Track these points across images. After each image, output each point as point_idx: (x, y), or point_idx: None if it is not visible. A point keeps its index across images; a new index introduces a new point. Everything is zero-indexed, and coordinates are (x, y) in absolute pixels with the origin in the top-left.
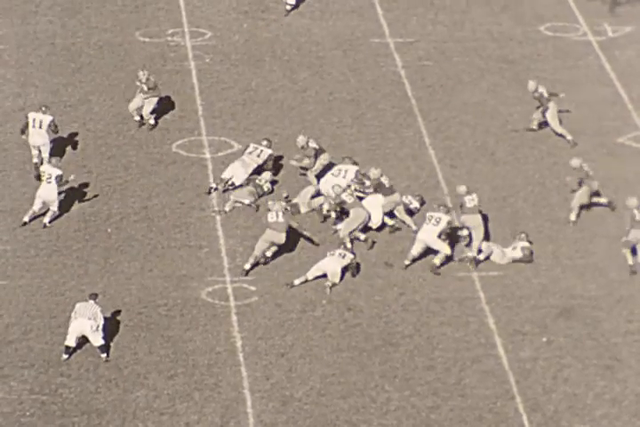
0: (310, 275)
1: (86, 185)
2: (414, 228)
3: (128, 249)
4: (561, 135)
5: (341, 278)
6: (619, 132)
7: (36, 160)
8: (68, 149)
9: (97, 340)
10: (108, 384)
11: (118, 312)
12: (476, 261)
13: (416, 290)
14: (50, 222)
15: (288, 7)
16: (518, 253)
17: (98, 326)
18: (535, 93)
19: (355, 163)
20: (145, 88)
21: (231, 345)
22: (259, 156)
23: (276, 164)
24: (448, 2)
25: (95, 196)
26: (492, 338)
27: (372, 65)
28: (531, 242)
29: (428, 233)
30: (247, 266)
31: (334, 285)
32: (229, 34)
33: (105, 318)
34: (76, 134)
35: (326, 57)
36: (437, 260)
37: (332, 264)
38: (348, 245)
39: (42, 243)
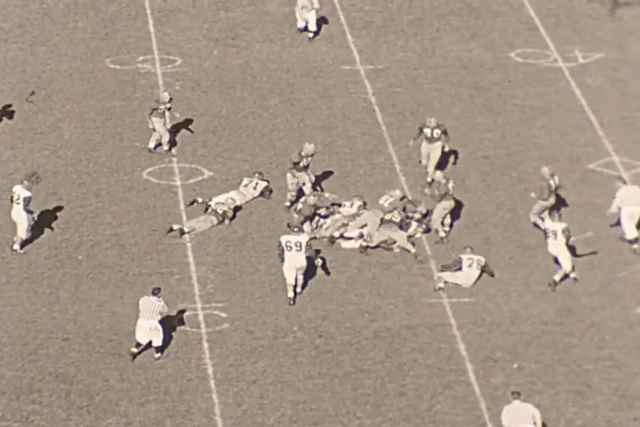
0: (289, 279)
1: (57, 212)
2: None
3: (99, 276)
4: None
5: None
6: (590, 158)
7: None
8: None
9: (156, 340)
10: (79, 411)
11: (89, 338)
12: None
13: (387, 317)
14: (21, 248)
15: (310, 35)
16: (475, 273)
17: (156, 327)
18: (442, 127)
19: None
20: (169, 107)
21: (202, 372)
22: (255, 188)
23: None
24: (418, 29)
25: (66, 223)
26: (464, 364)
27: (342, 92)
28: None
29: (554, 246)
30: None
31: (304, 286)
32: (200, 61)
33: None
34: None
35: (297, 84)
36: (557, 276)
37: (297, 259)
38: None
39: (12, 270)
